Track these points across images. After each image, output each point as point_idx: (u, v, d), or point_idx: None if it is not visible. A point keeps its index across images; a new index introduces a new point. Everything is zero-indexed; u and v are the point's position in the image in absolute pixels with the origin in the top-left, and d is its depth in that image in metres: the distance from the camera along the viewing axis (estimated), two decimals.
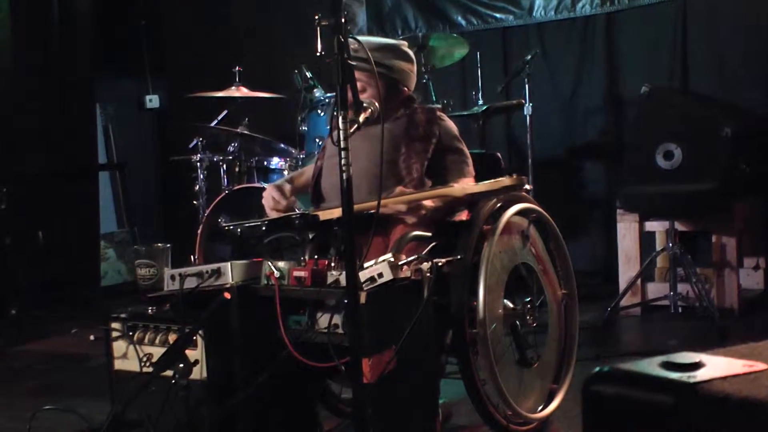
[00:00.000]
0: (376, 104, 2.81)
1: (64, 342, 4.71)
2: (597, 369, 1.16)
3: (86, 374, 3.92)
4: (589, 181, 5.84)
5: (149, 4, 7.07)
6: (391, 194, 2.75)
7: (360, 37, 2.50)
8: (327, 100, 4.64)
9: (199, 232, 4.31)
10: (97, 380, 2.99)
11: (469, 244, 2.64)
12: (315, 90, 4.87)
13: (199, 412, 2.47)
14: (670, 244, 4.53)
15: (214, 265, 2.54)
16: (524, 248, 2.90)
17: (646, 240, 4.92)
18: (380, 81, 2.78)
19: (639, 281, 4.76)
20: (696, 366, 1.14)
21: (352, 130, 2.22)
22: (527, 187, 2.95)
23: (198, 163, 4.96)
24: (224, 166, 4.95)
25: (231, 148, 4.91)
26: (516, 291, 2.84)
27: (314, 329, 2.45)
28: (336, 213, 2.59)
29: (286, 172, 4.60)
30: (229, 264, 2.52)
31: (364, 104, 2.70)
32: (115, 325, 2.66)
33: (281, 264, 2.48)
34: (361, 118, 2.53)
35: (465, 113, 5.13)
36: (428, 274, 2.43)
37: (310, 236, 2.77)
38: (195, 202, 5.00)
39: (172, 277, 2.62)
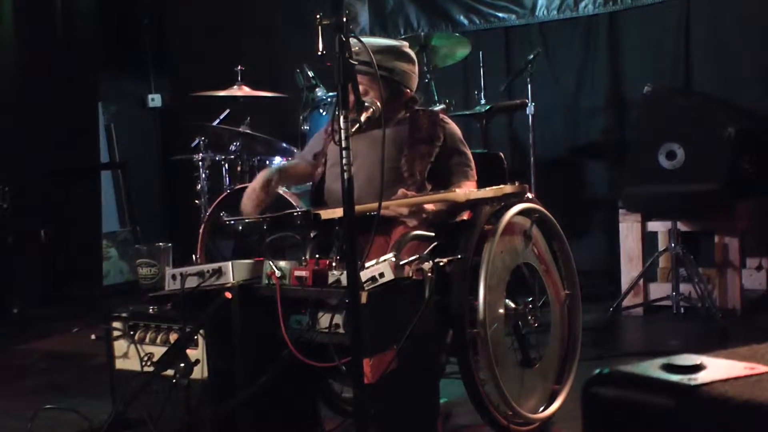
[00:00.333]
0: (378, 104, 2.81)
1: (65, 341, 4.71)
2: (597, 371, 1.16)
3: (87, 373, 3.91)
4: (592, 181, 5.84)
5: (152, 3, 7.06)
6: (393, 196, 2.74)
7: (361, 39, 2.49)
8: (329, 99, 4.63)
9: (200, 231, 4.31)
10: (99, 379, 2.99)
11: (470, 244, 2.64)
12: (317, 89, 4.86)
13: (200, 412, 2.47)
14: (673, 244, 4.52)
15: (215, 265, 2.55)
16: (527, 248, 2.89)
17: (649, 240, 4.91)
18: (382, 84, 2.78)
19: (641, 281, 4.75)
20: (697, 368, 1.13)
21: (353, 130, 2.21)
22: (529, 195, 2.94)
23: (200, 163, 4.96)
24: (226, 165, 4.95)
25: (233, 148, 4.91)
26: (518, 291, 2.84)
27: (315, 329, 2.45)
28: (337, 212, 2.59)
29: None
30: (230, 263, 2.53)
31: (366, 103, 2.70)
32: (116, 324, 2.66)
33: (282, 263, 2.48)
34: (363, 118, 2.53)
35: (467, 113, 5.12)
36: (429, 274, 2.42)
37: (312, 235, 2.77)
38: (197, 201, 4.99)
39: (173, 277, 2.62)
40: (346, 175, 2.11)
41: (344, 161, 2.12)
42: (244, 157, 4.84)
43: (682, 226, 4.66)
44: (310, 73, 4.90)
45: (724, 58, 5.28)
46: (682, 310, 4.58)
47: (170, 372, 2.46)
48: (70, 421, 3.01)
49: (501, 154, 3.44)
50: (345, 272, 2.21)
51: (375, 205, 2.44)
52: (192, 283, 2.55)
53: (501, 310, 2.71)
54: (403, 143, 2.97)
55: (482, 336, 2.55)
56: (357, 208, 2.19)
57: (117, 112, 6.99)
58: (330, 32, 2.16)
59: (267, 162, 4.87)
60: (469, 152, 3.08)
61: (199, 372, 2.47)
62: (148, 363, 2.55)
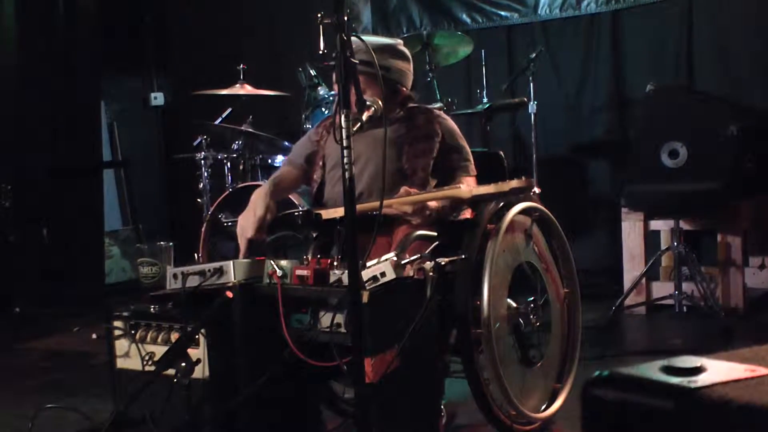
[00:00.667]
0: (380, 102, 2.81)
1: (67, 340, 4.70)
2: (597, 373, 1.15)
3: (89, 372, 3.92)
4: (594, 180, 5.83)
5: (154, 2, 7.07)
6: (396, 194, 2.74)
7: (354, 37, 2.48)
8: (331, 98, 4.63)
9: (202, 230, 4.31)
10: (100, 378, 3.00)
11: (473, 243, 2.63)
12: (319, 88, 4.86)
13: (201, 412, 2.46)
14: (675, 243, 4.52)
15: (217, 264, 2.54)
16: (528, 247, 2.89)
17: (651, 239, 4.90)
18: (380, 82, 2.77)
19: (644, 280, 4.74)
20: (697, 370, 1.12)
21: (355, 129, 2.21)
22: (536, 190, 2.93)
23: (202, 161, 4.96)
24: (228, 163, 4.95)
25: (235, 146, 4.91)
26: (519, 290, 2.83)
27: (317, 328, 2.44)
28: (339, 212, 2.58)
29: None
30: (231, 263, 2.52)
31: (368, 102, 2.70)
32: (117, 323, 2.66)
33: (284, 263, 2.48)
34: (365, 117, 2.52)
35: (469, 111, 5.12)
36: (431, 274, 2.42)
37: (313, 235, 2.77)
38: (199, 199, 5.00)
39: (175, 276, 2.62)
40: (347, 174, 2.11)
41: (345, 160, 2.11)
42: (246, 155, 4.85)
43: (684, 225, 4.66)
44: (312, 72, 4.90)
45: (726, 57, 5.27)
46: (685, 309, 4.57)
47: (171, 371, 2.45)
48: (72, 421, 3.02)
49: (501, 152, 3.43)
50: (346, 271, 2.20)
51: (376, 204, 2.43)
52: (193, 282, 2.54)
53: (503, 310, 2.70)
54: (403, 142, 2.96)
55: (485, 335, 2.55)
56: (358, 207, 2.19)
57: (119, 110, 6.99)
58: (331, 31, 2.16)
59: (269, 160, 4.88)
60: (467, 146, 3.07)
61: (200, 371, 2.46)
62: (150, 362, 2.55)
